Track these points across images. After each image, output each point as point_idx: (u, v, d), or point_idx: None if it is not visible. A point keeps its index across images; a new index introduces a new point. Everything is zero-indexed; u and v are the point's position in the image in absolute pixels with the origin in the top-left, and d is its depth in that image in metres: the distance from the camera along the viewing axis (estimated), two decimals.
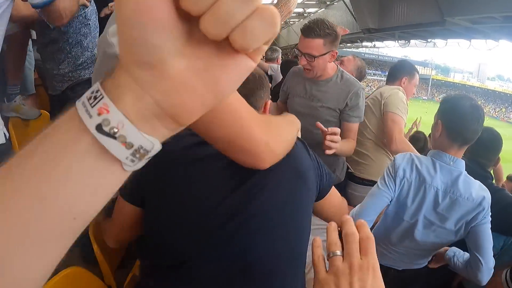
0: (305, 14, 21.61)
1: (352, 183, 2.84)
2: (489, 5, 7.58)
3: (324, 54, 2.17)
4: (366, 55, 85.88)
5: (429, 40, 15.19)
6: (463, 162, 1.76)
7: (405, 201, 1.77)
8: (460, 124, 1.73)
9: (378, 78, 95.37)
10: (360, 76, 3.33)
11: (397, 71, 3.00)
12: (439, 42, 15.64)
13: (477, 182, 1.74)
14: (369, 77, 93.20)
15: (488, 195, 1.68)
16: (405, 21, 11.80)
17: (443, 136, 1.78)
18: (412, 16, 11.36)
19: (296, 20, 24.82)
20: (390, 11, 12.43)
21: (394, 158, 1.85)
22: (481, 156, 2.19)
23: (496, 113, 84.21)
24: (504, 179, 4.17)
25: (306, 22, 2.23)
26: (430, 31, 12.52)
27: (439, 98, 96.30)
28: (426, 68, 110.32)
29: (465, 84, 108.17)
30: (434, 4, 9.47)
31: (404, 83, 2.94)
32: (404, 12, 11.71)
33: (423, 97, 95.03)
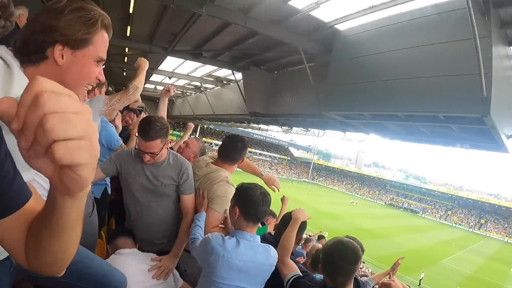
0: (201, 88, 22.16)
1: None
2: (359, 104, 8.79)
3: (162, 148, 2.63)
4: (254, 135, 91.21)
5: (309, 129, 16.58)
6: (258, 237, 2.28)
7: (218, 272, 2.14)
8: (253, 209, 2.23)
9: (264, 158, 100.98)
10: (202, 154, 3.90)
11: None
12: (317, 131, 17.20)
13: (272, 248, 2.31)
14: (255, 156, 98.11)
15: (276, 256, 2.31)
16: (289, 110, 13.03)
17: (240, 218, 2.25)
18: (295, 107, 12.61)
19: (193, 92, 25.33)
20: (277, 99, 13.64)
21: (207, 237, 2.26)
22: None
23: (370, 196, 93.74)
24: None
25: (144, 126, 2.61)
26: (310, 122, 13.88)
27: (319, 181, 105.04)
28: (309, 153, 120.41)
29: (344, 169, 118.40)
30: (314, 99, 10.65)
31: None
32: (288, 103, 12.92)
33: (305, 180, 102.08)
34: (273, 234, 3.33)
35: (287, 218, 2.84)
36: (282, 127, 16.99)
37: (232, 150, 3.09)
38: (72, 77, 1.22)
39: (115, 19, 10.80)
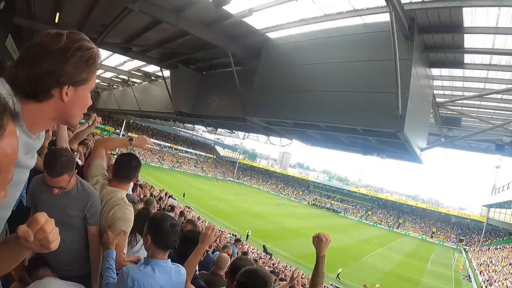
0: (129, 83, 21.40)
1: None
2: (282, 112, 9.10)
3: (70, 180, 2.60)
4: (181, 132, 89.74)
5: (233, 131, 16.86)
6: (169, 260, 2.55)
7: None
8: (164, 239, 2.49)
9: (189, 156, 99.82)
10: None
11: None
12: (242, 133, 17.58)
13: (181, 267, 2.61)
14: (181, 154, 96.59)
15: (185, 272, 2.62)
16: (214, 112, 13.12)
17: (152, 245, 2.50)
18: (220, 109, 12.75)
19: (120, 86, 24.37)
20: (203, 100, 13.67)
21: (123, 271, 2.39)
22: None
23: (294, 195, 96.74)
24: None
25: (50, 161, 2.53)
26: (235, 125, 14.10)
27: (244, 180, 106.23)
28: (235, 152, 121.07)
29: (269, 169, 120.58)
30: (239, 103, 10.86)
31: None
32: (214, 104, 13.01)
33: (230, 179, 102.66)
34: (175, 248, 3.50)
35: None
36: (207, 127, 17.06)
37: (127, 169, 3.06)
38: (75, 109, 1.36)
39: (45, 4, 10.12)
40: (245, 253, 9.75)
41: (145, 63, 15.58)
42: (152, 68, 16.93)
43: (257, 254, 25.15)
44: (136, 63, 16.32)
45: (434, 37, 7.70)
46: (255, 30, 9.39)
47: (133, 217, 2.96)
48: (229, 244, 9.14)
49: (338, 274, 28.99)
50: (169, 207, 10.81)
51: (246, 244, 26.29)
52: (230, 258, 5.00)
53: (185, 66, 13.86)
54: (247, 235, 33.37)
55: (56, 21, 11.10)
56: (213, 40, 9.82)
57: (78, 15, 10.77)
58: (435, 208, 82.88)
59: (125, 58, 15.11)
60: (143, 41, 11.87)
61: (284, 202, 79.08)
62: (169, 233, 2.48)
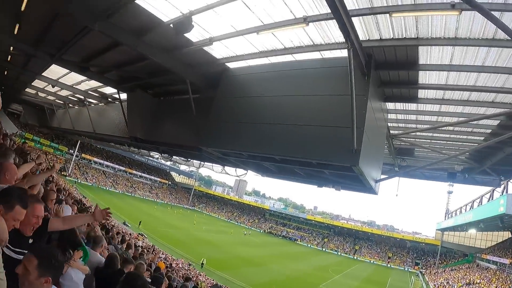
0: (85, 103, 20.89)
1: None
2: (237, 143, 9.13)
3: None
4: (136, 156, 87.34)
5: (189, 159, 16.70)
6: None
7: None
8: None
9: (144, 181, 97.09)
10: None
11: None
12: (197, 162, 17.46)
13: None
14: (135, 178, 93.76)
15: None
16: (170, 139, 12.99)
17: None
18: (176, 137, 12.65)
19: (76, 105, 23.68)
20: (159, 126, 13.49)
21: None
22: None
23: (250, 223, 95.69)
24: None
25: None
26: (190, 153, 13.95)
27: (199, 207, 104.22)
28: (190, 178, 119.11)
29: (224, 197, 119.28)
30: (195, 132, 10.84)
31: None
32: (170, 131, 12.87)
33: (185, 206, 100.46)
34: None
35: None
36: (162, 154, 16.79)
37: None
38: None
39: (4, 13, 9.73)
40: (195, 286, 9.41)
41: (102, 84, 15.25)
42: (109, 90, 16.62)
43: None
44: (94, 83, 15.92)
45: (390, 73, 8.13)
46: (215, 59, 9.52)
47: None
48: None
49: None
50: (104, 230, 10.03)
51: (201, 274, 25.63)
52: None
53: (142, 90, 13.71)
54: (202, 264, 32.42)
55: (15, 32, 10.71)
56: (172, 67, 9.84)
57: (37, 28, 10.49)
58: (390, 234, 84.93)
59: (83, 77, 14.73)
60: (101, 61, 11.68)
61: (250, 233, 78.43)
62: None
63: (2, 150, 4.58)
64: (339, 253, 78.55)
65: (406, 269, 67.58)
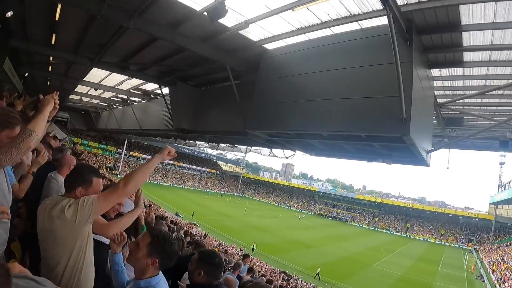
0: (129, 102, 21.44)
1: None
2: (283, 123, 8.99)
3: None
4: (183, 149, 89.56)
5: (235, 145, 16.73)
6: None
7: None
8: (172, 261, 2.45)
9: (192, 172, 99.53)
10: None
11: (72, 181, 2.57)
12: (244, 147, 17.46)
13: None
14: (183, 170, 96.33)
15: None
16: (215, 127, 13.02)
17: (157, 268, 2.34)
18: (221, 124, 12.63)
19: (120, 105, 24.38)
20: (203, 116, 13.58)
21: None
22: None
23: (300, 206, 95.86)
24: None
25: None
26: (236, 139, 13.97)
27: (248, 194, 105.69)
28: (238, 166, 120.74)
29: (272, 182, 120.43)
30: (240, 117, 10.75)
31: (81, 193, 2.49)
32: (215, 119, 12.89)
33: (234, 193, 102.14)
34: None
35: None
36: (209, 143, 16.96)
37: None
38: None
39: (40, 25, 10.16)
40: (251, 269, 9.48)
41: (143, 81, 15.58)
42: (151, 86, 16.91)
43: (265, 269, 24.70)
44: (135, 81, 16.30)
45: (433, 37, 7.59)
46: (252, 42, 9.33)
47: None
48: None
49: (318, 273, 28.95)
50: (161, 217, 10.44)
51: (254, 258, 25.99)
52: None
53: (183, 82, 13.83)
54: (253, 248, 32.97)
55: (53, 42, 11.13)
56: (211, 55, 9.79)
57: (74, 36, 10.79)
58: (442, 210, 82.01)
59: (124, 77, 15.13)
60: (140, 58, 11.86)
61: (304, 216, 78.45)
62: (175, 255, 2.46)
63: (58, 147, 5.17)
64: (391, 232, 76.63)
65: (459, 246, 65.13)
